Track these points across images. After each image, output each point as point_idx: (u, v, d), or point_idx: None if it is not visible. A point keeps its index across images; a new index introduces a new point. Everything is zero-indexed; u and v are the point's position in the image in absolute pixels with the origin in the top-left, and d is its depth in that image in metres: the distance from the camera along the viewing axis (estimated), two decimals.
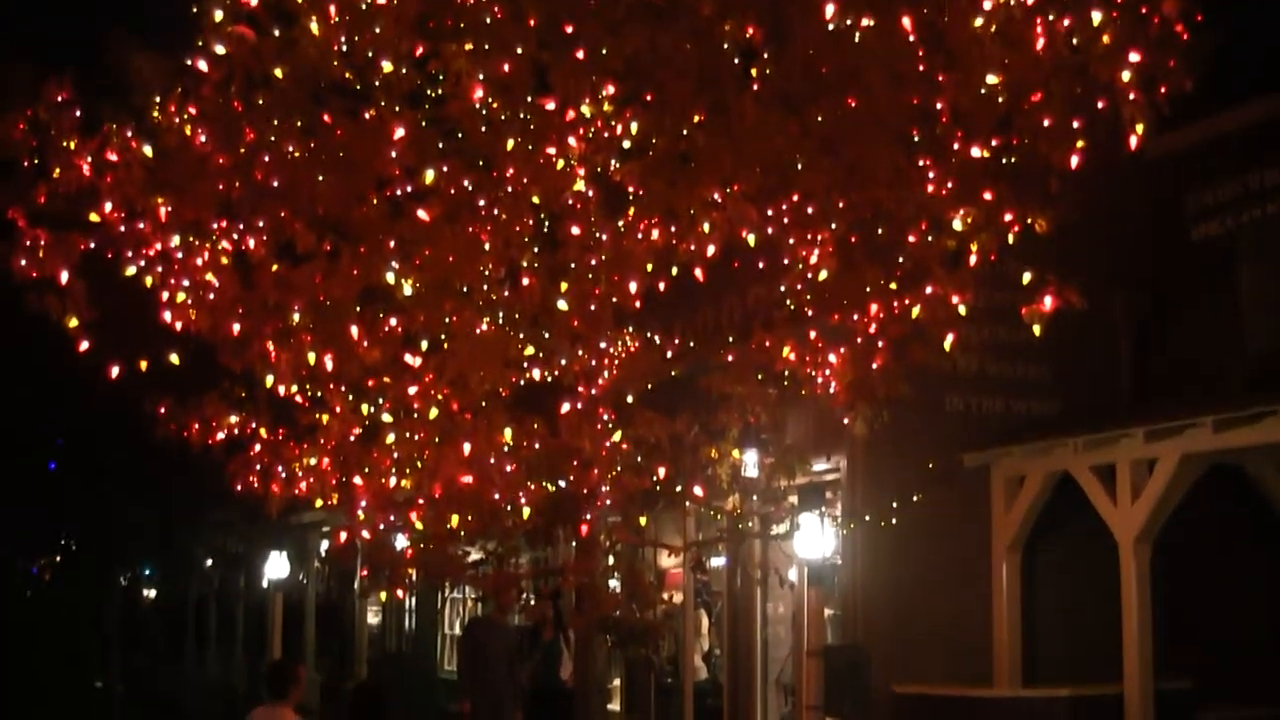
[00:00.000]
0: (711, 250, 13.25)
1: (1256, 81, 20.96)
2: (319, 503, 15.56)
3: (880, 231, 13.79)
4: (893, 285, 13.84)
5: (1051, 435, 20.40)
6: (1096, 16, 12.75)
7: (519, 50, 12.87)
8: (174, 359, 14.27)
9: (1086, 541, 20.08)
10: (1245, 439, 17.98)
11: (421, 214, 13.32)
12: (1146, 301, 22.55)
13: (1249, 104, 21.18)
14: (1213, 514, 19.84)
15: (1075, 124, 13.19)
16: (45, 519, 61.12)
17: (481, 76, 12.91)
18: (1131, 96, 12.78)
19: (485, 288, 13.89)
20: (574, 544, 15.54)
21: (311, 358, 14.01)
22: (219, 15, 13.06)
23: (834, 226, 13.64)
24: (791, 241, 13.75)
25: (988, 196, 13.33)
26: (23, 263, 13.54)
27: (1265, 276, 21.24)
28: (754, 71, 13.22)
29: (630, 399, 14.61)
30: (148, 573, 68.93)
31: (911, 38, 12.88)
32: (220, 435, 15.20)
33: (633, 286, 13.54)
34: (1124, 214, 22.15)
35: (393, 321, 14.02)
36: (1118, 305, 22.21)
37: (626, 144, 13.22)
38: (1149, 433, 18.80)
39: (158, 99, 13.59)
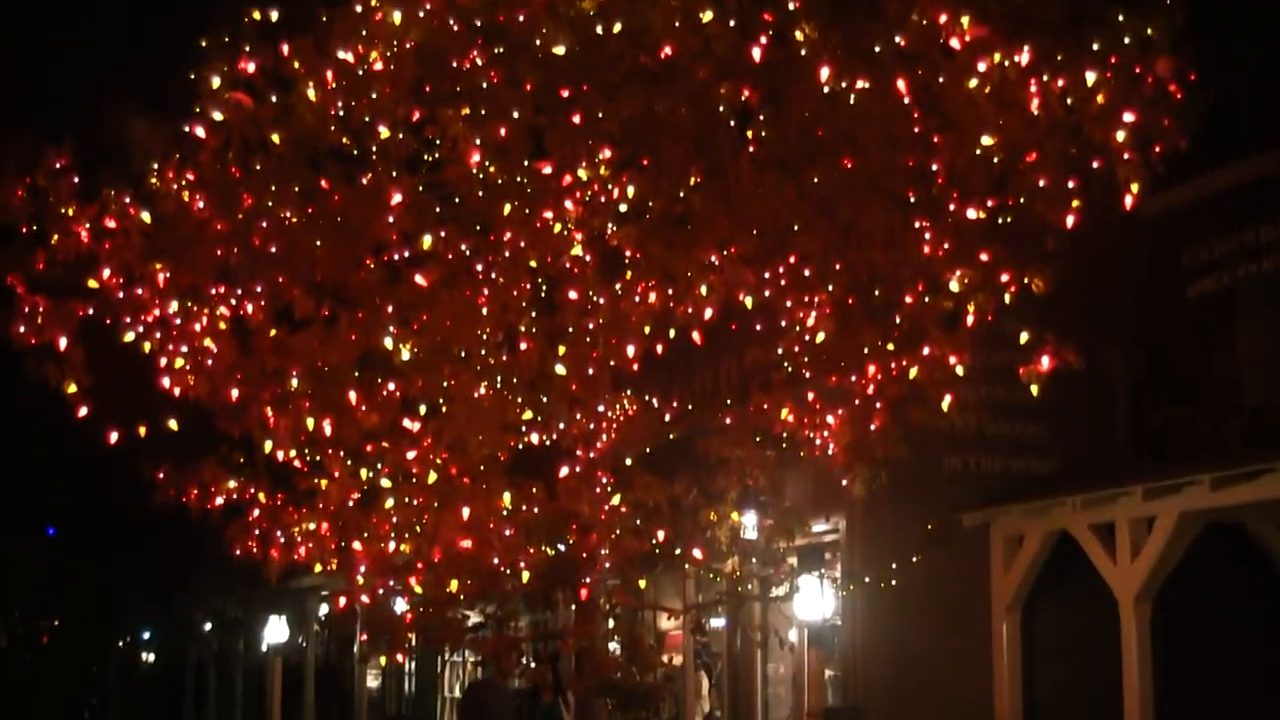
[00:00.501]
0: (709, 313, 13.26)
1: (1251, 138, 21.00)
2: (318, 567, 15.54)
3: (877, 293, 13.83)
4: (890, 346, 13.88)
5: (1050, 494, 20.38)
6: (1091, 77, 12.84)
7: (515, 115, 12.90)
8: (172, 424, 14.27)
9: (1086, 600, 20.01)
10: (1243, 496, 17.94)
11: (419, 279, 13.35)
12: (1144, 359, 22.55)
13: (1244, 161, 21.21)
14: (1213, 571, 19.77)
15: (1070, 184, 13.24)
16: (44, 583, 60.92)
17: (478, 141, 12.95)
18: (1126, 156, 12.89)
19: (483, 352, 13.90)
20: (573, 607, 15.50)
21: (310, 423, 14.03)
22: (216, 82, 13.12)
23: (831, 288, 13.69)
24: (789, 304, 13.79)
25: (984, 257, 13.41)
26: (22, 329, 13.56)
27: (1262, 333, 21.23)
28: (750, 134, 13.27)
29: (629, 462, 14.63)
30: (146, 636, 68.72)
31: (906, 100, 12.94)
32: (219, 500, 15.18)
33: (630, 350, 13.55)
34: (1120, 271, 22.18)
35: (391, 386, 14.04)
36: (1115, 363, 22.19)
37: (623, 207, 13.24)
38: (1147, 491, 18.77)
39: (156, 165, 13.64)
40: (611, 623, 15.44)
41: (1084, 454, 21.97)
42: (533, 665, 24.53)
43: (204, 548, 27.84)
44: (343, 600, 15.52)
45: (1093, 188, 13.30)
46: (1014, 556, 20.93)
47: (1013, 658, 20.88)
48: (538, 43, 12.84)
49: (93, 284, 13.78)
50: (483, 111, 12.95)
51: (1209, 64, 13.29)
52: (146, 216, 13.68)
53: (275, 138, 13.31)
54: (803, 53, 12.92)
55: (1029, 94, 12.93)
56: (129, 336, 13.96)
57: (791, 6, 12.94)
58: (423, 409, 14.27)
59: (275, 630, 38.46)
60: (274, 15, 13.32)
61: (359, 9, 13.06)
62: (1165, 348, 22.45)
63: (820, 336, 13.82)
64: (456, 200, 13.51)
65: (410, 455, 14.34)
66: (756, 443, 14.69)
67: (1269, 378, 20.83)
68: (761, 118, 13.25)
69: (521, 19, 12.89)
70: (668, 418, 15.54)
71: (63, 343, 13.61)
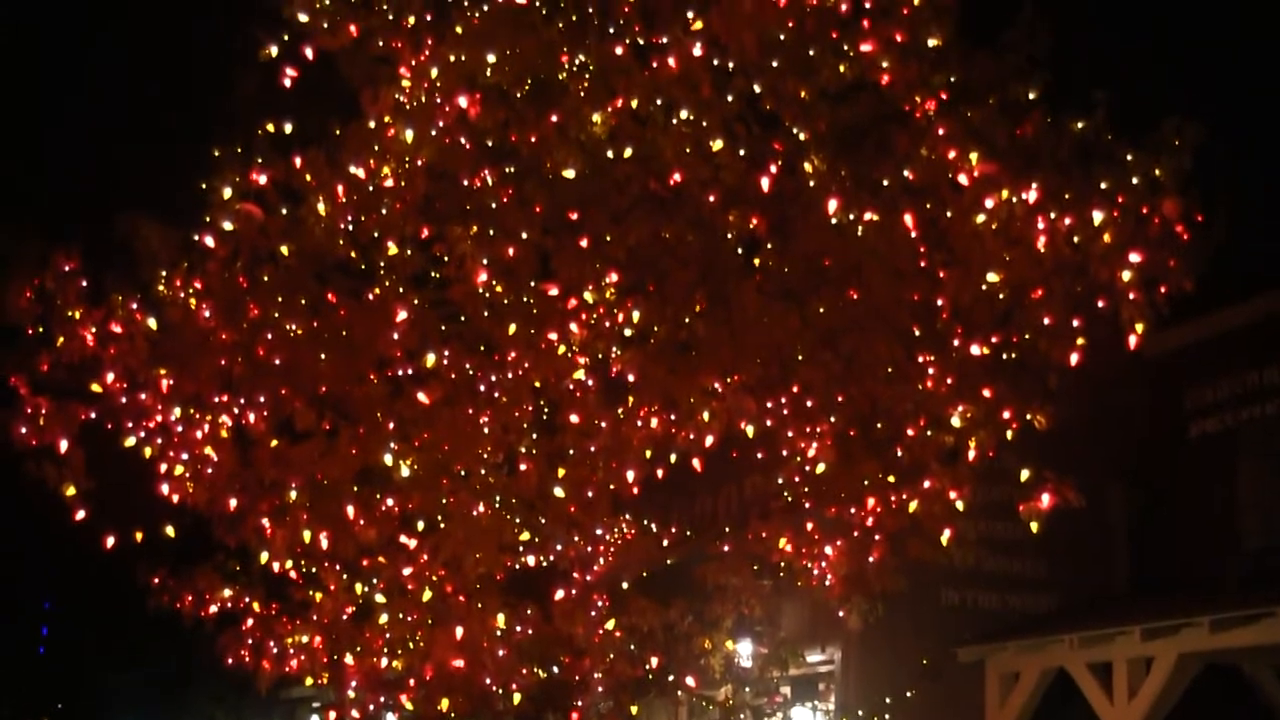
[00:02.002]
0: (710, 440, 13.19)
1: (1256, 280, 21.06)
2: (309, 680, 15.46)
3: (879, 426, 13.80)
4: (890, 479, 13.84)
5: (1047, 631, 20.27)
6: (1098, 216, 12.86)
7: (524, 235, 12.93)
8: (169, 531, 14.24)
9: None
10: (1242, 640, 17.85)
11: (421, 396, 13.32)
12: (1144, 497, 22.50)
13: (1249, 302, 21.26)
14: (1210, 714, 19.63)
15: (1075, 322, 13.24)
16: (35, 681, 60.63)
17: (486, 260, 12.94)
18: (1131, 296, 12.86)
19: (483, 471, 13.85)
20: None
21: (307, 535, 13.95)
22: (228, 192, 13.17)
23: (833, 420, 13.65)
24: (790, 433, 13.74)
25: (987, 393, 13.36)
26: (23, 430, 13.54)
27: (1263, 476, 21.20)
28: (756, 263, 13.30)
29: (625, 586, 14.58)
30: None
31: (913, 234, 12.98)
32: (213, 608, 15.15)
33: (630, 474, 13.49)
34: (1123, 410, 22.15)
35: (389, 502, 13.97)
36: (1116, 501, 22.16)
37: (628, 332, 13.21)
38: (1145, 631, 18.68)
39: (164, 273, 13.64)
40: None
41: (1082, 591, 21.89)
42: None
43: (197, 654, 27.71)
44: (333, 714, 15.40)
45: (1097, 327, 13.30)
46: (1009, 693, 20.78)
47: None
48: (548, 164, 12.92)
49: (96, 388, 13.78)
50: (491, 231, 12.96)
51: (1215, 206, 13.31)
52: (152, 323, 13.68)
53: (284, 250, 13.35)
54: (811, 184, 13.00)
55: (1036, 231, 12.95)
56: (130, 441, 13.95)
57: (802, 137, 13.02)
58: (420, 526, 14.21)
59: None
60: (287, 127, 13.40)
61: (371, 124, 13.13)
62: (1166, 487, 22.40)
63: (820, 467, 13.78)
64: (462, 319, 13.50)
65: (406, 571, 14.28)
66: (753, 571, 14.68)
67: (1269, 521, 20.78)
68: (768, 247, 13.28)
69: (533, 140, 12.97)
70: (665, 543, 15.51)
71: (63, 445, 13.60)
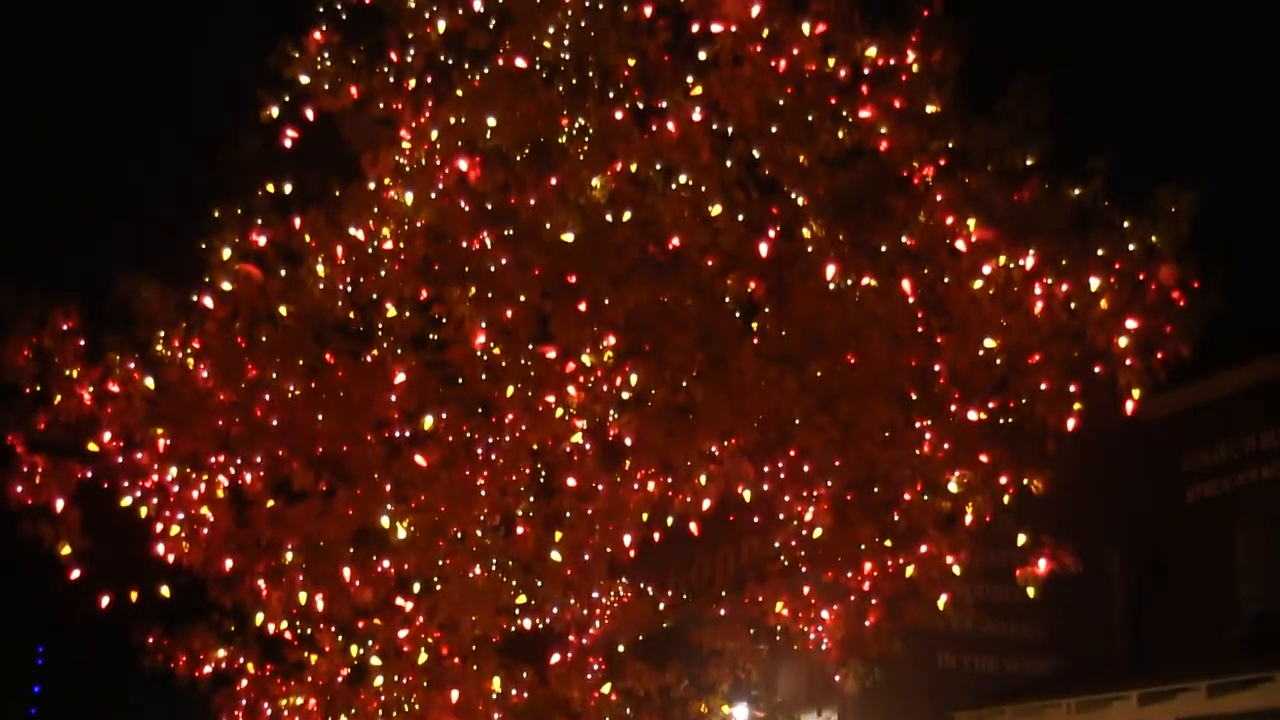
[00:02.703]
0: (707, 503, 13.13)
1: (1253, 345, 21.06)
2: None
3: (876, 490, 13.76)
4: (888, 543, 13.79)
5: (1044, 696, 20.21)
6: (1095, 282, 12.88)
7: (522, 298, 12.92)
8: (165, 591, 14.19)
9: None
10: (1241, 705, 17.80)
11: (419, 458, 13.28)
12: (1143, 561, 22.44)
13: (1245, 367, 21.24)
14: None
15: (1072, 387, 13.23)
16: None
17: (484, 322, 12.93)
18: (1128, 362, 12.87)
19: (479, 533, 13.81)
20: None
21: (303, 596, 13.91)
22: (227, 253, 13.19)
23: (830, 484, 13.61)
24: (787, 497, 13.69)
25: (984, 459, 13.34)
26: (19, 489, 13.51)
27: (1261, 540, 21.14)
28: (754, 327, 13.30)
29: (621, 649, 14.52)
30: None
31: (911, 299, 12.98)
32: (207, 669, 15.08)
33: (627, 538, 13.44)
34: (1121, 474, 22.13)
35: (385, 563, 13.93)
36: (1113, 564, 22.09)
37: (625, 395, 13.18)
38: (1142, 696, 18.64)
39: (162, 332, 13.65)
40: None
41: (1080, 656, 21.81)
42: None
43: (191, 715, 27.59)
44: None
45: (1094, 392, 13.29)
46: None
47: None
48: (547, 227, 12.93)
49: (93, 447, 13.76)
50: (489, 293, 12.96)
51: (1211, 271, 13.32)
52: (150, 382, 13.69)
53: (283, 310, 13.36)
54: (809, 249, 13.01)
55: (1033, 297, 12.99)
56: (126, 501, 13.92)
57: (800, 202, 13.05)
58: (416, 587, 14.17)
59: None
60: (287, 188, 13.44)
61: (371, 186, 13.16)
62: (1164, 551, 22.33)
63: (818, 531, 13.72)
64: (460, 380, 13.49)
65: (402, 633, 14.24)
66: (750, 635, 14.62)
67: (1267, 585, 20.72)
68: (766, 311, 13.29)
69: (532, 203, 12.98)
70: (662, 606, 15.47)
71: (59, 504, 13.56)
